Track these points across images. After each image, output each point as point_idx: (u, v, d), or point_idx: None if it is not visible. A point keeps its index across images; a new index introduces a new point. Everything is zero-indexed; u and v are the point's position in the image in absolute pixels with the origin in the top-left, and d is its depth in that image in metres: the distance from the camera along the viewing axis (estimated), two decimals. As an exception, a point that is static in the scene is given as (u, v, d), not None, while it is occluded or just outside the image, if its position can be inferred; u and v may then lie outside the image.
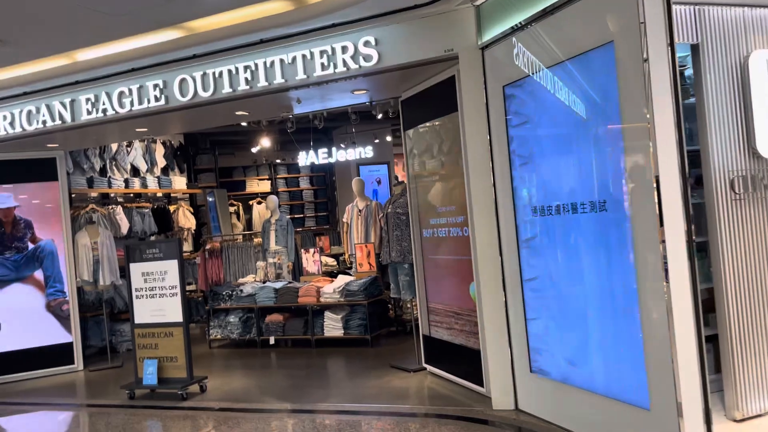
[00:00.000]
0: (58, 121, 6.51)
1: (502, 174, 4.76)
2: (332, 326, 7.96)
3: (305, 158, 10.85)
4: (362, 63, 5.23)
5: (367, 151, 10.67)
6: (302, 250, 9.14)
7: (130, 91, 6.18)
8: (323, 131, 12.97)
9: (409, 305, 8.35)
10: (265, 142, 13.09)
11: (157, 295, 6.37)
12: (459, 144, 5.31)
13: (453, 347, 5.77)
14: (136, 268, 6.47)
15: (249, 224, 13.71)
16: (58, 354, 7.88)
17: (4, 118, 6.73)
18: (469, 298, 5.46)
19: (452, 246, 5.69)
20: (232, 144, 14.10)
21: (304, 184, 15.03)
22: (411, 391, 5.85)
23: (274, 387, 6.47)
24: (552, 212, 4.20)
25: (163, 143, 10.66)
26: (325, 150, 10.67)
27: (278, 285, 8.43)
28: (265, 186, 14.60)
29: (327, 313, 8.01)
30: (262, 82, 5.65)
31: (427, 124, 5.91)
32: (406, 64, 5.17)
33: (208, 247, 9.46)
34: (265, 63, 5.61)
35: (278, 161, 14.86)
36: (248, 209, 13.94)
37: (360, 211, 8.90)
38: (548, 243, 4.32)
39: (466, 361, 5.56)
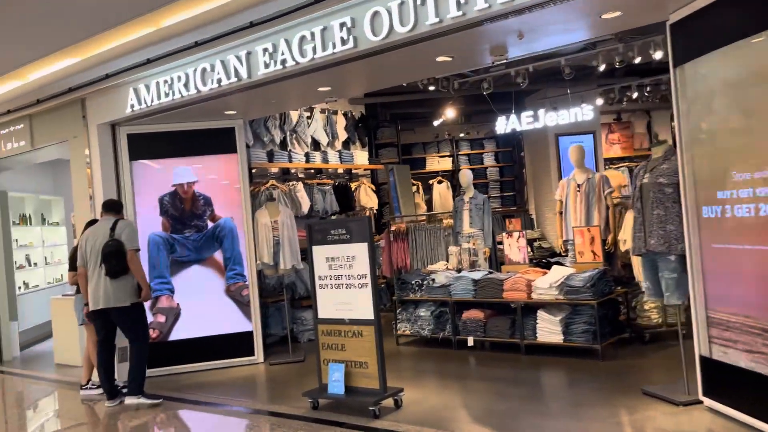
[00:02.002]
0: (233, 79, 5.60)
1: None
2: (548, 330, 6.35)
3: (504, 124, 9.24)
4: (636, -43, 3.53)
5: (586, 113, 8.78)
6: (503, 234, 7.60)
7: (313, 35, 5.05)
8: (515, 98, 11.27)
9: (647, 307, 6.48)
10: (449, 113, 11.74)
11: (344, 286, 5.22)
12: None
13: (761, 380, 3.90)
14: (319, 252, 5.38)
15: (429, 205, 12.50)
16: (238, 343, 7.17)
17: (179, 79, 6.00)
18: (801, 311, 3.56)
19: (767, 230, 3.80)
20: (412, 118, 12.94)
21: (488, 160, 13.46)
22: (691, 438, 4.09)
23: (483, 409, 5.04)
24: None
25: (344, 114, 9.71)
26: (530, 113, 8.96)
27: (477, 275, 6.99)
28: (446, 164, 13.28)
29: (541, 313, 6.41)
30: (480, 4, 4.18)
31: (723, 50, 4.03)
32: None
33: (393, 228, 8.30)
34: (485, -22, 4.13)
35: (462, 135, 13.45)
36: (428, 189, 12.73)
37: (579, 186, 7.14)
38: None
39: (792, 406, 3.68)
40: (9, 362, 8.60)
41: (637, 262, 5.94)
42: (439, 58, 5.31)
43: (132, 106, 6.48)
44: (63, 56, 5.87)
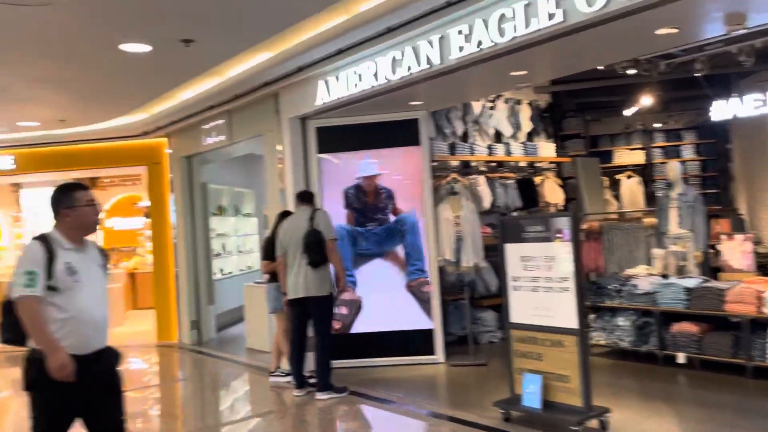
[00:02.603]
0: (424, 65, 5.34)
1: None
2: (785, 352, 5.31)
3: (723, 110, 8.04)
4: None
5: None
6: (722, 237, 6.56)
7: (514, 12, 4.60)
8: (721, 81, 9.81)
9: None
10: (643, 101, 10.58)
11: (542, 289, 4.72)
12: None
13: None
14: (513, 251, 4.93)
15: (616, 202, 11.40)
16: (418, 341, 6.95)
17: (368, 68, 5.88)
18: None
19: None
20: (599, 107, 11.90)
21: (687, 154, 11.97)
22: None
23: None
24: None
25: (529, 104, 9.12)
26: (759, 97, 7.69)
27: (690, 283, 6.08)
28: (636, 157, 12.04)
29: (776, 332, 5.39)
30: (731, -43, 3.46)
31: None
32: None
33: (584, 227, 7.58)
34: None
35: (657, 125, 12.11)
36: (614, 184, 11.63)
37: (826, 180, 5.91)
38: None
39: None
40: (207, 343, 9.24)
41: None
42: (660, 31, 4.59)
43: (322, 98, 6.52)
44: (258, 51, 6.02)
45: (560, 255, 4.61)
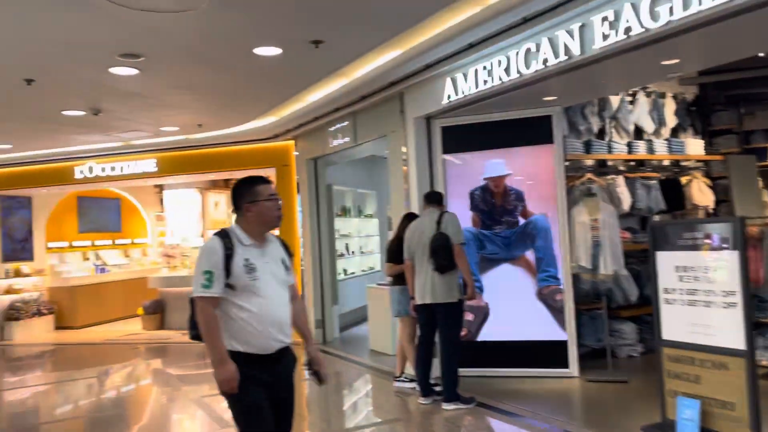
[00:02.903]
0: (562, 57, 4.94)
1: None
2: None
3: None
4: None
5: None
6: None
7: (670, -7, 4.12)
8: None
9: None
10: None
11: (701, 303, 4.19)
12: None
13: None
14: (666, 259, 4.43)
15: (773, 204, 10.15)
16: (549, 352, 6.53)
17: (499, 63, 5.57)
18: None
19: None
20: (753, 100, 10.67)
21: None
22: None
23: None
24: None
25: (674, 97, 8.34)
26: None
27: None
28: (798, 154, 10.69)
29: None
30: None
31: None
32: None
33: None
34: None
35: (824, 118, 10.68)
36: (769, 185, 10.37)
37: None
38: None
39: None
40: (331, 343, 9.32)
41: None
42: None
43: (449, 96, 6.30)
44: (386, 50, 5.91)
45: (718, 265, 4.06)
